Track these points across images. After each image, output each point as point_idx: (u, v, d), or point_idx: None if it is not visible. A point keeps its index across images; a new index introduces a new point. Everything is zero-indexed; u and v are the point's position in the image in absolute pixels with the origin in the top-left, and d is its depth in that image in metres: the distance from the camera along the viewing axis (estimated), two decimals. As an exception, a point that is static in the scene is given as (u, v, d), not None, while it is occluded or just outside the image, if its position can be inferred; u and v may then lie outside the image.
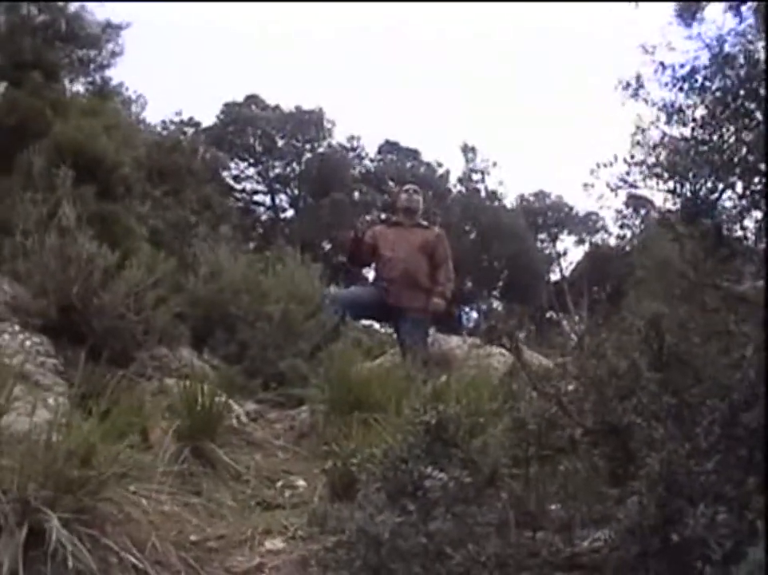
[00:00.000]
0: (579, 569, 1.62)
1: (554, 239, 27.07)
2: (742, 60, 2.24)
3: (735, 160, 1.87)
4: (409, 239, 5.50)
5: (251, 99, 25.13)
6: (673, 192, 2.04)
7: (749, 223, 1.92)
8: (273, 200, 25.75)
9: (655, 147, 2.17)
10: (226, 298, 5.27)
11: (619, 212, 21.63)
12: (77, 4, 10.02)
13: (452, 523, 1.62)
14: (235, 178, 25.29)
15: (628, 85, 2.39)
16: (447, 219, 19.34)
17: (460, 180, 25.77)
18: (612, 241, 25.44)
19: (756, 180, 1.85)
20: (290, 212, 26.01)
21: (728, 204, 1.96)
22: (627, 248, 21.90)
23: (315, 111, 25.00)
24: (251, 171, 25.65)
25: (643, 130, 2.24)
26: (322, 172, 23.97)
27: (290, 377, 4.57)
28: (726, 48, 2.39)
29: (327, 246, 22.66)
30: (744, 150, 1.88)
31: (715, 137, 1.95)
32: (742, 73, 2.11)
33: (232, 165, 24.96)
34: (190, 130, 22.60)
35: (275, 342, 4.84)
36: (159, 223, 8.45)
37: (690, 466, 1.42)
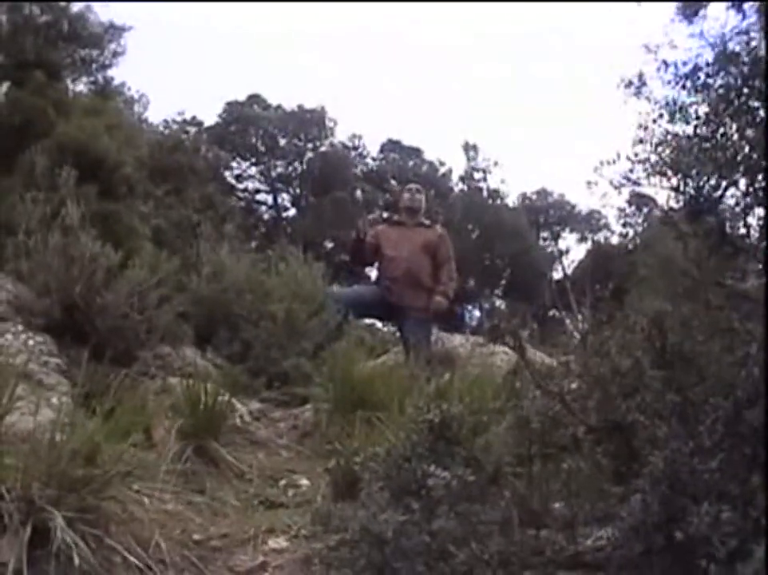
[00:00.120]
0: (583, 568, 1.61)
1: (556, 237, 27.06)
2: (744, 57, 2.24)
3: (738, 157, 1.87)
4: (411, 238, 5.50)
5: (253, 98, 25.15)
6: (676, 189, 2.03)
7: (752, 220, 1.92)
8: (275, 199, 25.78)
9: (657, 145, 2.17)
10: (229, 297, 5.27)
11: (621, 209, 21.57)
12: (79, 4, 10.04)
13: (455, 521, 1.62)
14: (237, 177, 25.32)
15: (631, 83, 2.39)
16: (449, 217, 19.35)
17: (462, 179, 25.79)
18: (615, 239, 25.43)
19: (759, 177, 1.85)
20: (292, 211, 26.05)
21: (731, 201, 1.95)
22: (630, 246, 21.87)
23: (317, 110, 25.02)
24: (254, 170, 25.69)
25: (646, 128, 2.23)
26: (324, 171, 23.98)
27: (293, 376, 4.58)
28: (729, 45, 2.38)
29: (330, 245, 22.67)
30: (747, 147, 1.88)
31: (718, 135, 1.95)
32: (744, 70, 2.11)
33: (234, 165, 25.00)
34: (192, 129, 22.63)
35: (278, 341, 4.84)
36: (162, 222, 8.48)
37: (694, 464, 1.41)
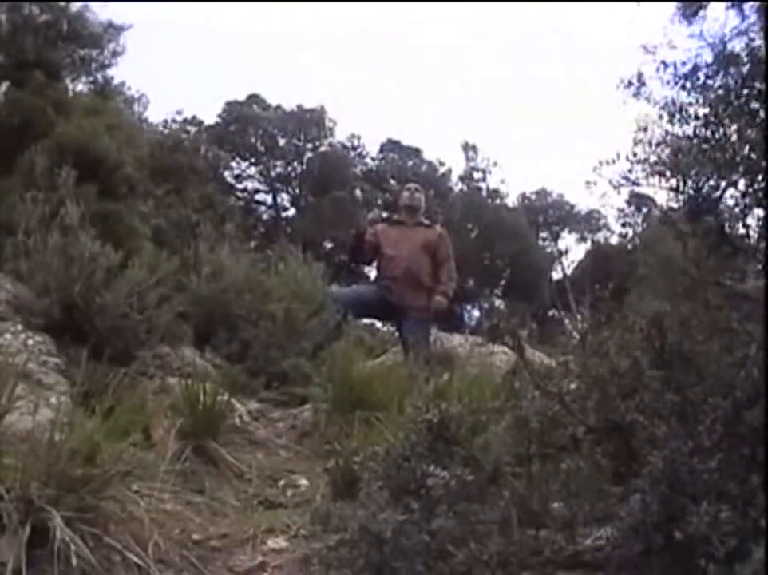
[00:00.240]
0: (582, 568, 1.61)
1: (556, 237, 27.07)
2: (744, 58, 2.24)
3: (738, 158, 1.87)
4: (411, 237, 5.49)
5: (253, 98, 25.14)
6: (675, 190, 2.03)
7: (751, 221, 1.92)
8: (275, 199, 25.77)
9: (657, 145, 2.17)
10: (228, 297, 5.27)
11: (621, 210, 21.64)
12: (79, 4, 10.04)
13: (454, 521, 1.62)
14: (237, 177, 25.31)
15: (630, 83, 2.38)
16: (449, 217, 19.34)
17: (461, 179, 25.79)
18: (614, 239, 25.47)
19: (759, 178, 1.85)
20: (291, 211, 26.04)
21: (731, 202, 1.95)
22: (630, 246, 21.90)
23: (317, 110, 25.01)
24: (253, 170, 25.67)
25: (645, 128, 2.23)
26: (324, 171, 23.97)
27: (292, 376, 4.57)
28: (729, 46, 2.38)
29: (329, 245, 22.66)
30: (747, 148, 1.88)
31: (718, 135, 1.95)
32: (744, 70, 2.11)
33: (234, 165, 24.98)
34: (192, 129, 22.62)
35: (278, 341, 4.84)
36: (161, 222, 8.47)
37: (693, 464, 1.41)
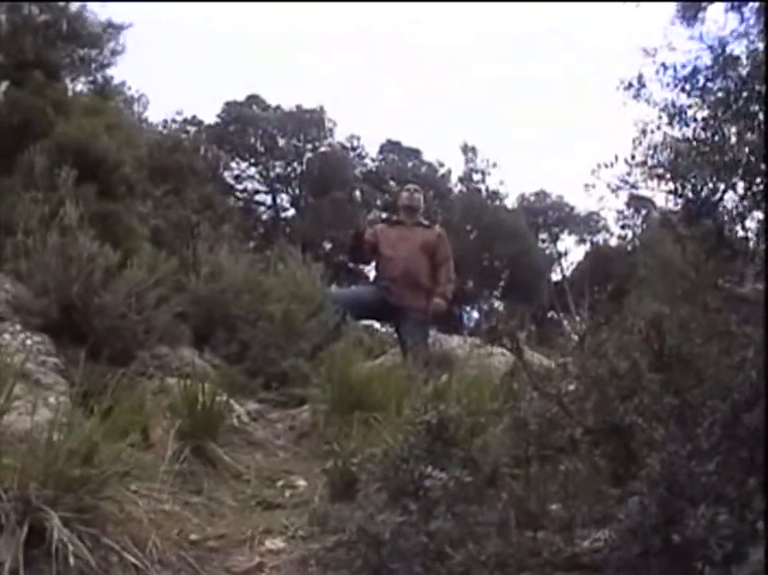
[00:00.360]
0: (580, 569, 1.61)
1: (555, 239, 27.09)
2: (744, 60, 2.24)
3: (737, 161, 1.87)
4: (410, 238, 5.49)
5: (252, 98, 25.14)
6: (674, 192, 2.03)
7: (750, 224, 1.92)
8: (274, 199, 25.77)
9: (656, 148, 2.17)
10: (227, 297, 5.27)
11: (620, 212, 21.67)
12: (78, 3, 10.04)
13: (452, 523, 1.62)
14: (236, 178, 25.31)
15: (630, 85, 2.38)
16: (448, 218, 19.35)
17: (461, 180, 25.81)
18: (613, 241, 25.49)
19: (758, 180, 1.85)
20: (291, 212, 26.04)
21: (729, 204, 1.96)
22: (629, 248, 21.91)
23: (316, 110, 25.02)
24: (252, 170, 25.67)
25: (645, 131, 2.23)
26: (323, 171, 23.98)
27: (291, 376, 4.57)
28: (728, 48, 2.39)
29: (328, 245, 22.66)
30: (745, 151, 1.88)
31: (717, 138, 1.95)
32: (744, 73, 2.11)
33: (233, 165, 24.98)
34: (192, 129, 22.62)
35: (276, 341, 4.84)
36: (160, 222, 8.46)
37: (692, 467, 1.41)
